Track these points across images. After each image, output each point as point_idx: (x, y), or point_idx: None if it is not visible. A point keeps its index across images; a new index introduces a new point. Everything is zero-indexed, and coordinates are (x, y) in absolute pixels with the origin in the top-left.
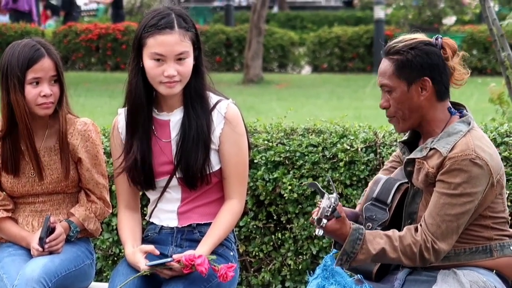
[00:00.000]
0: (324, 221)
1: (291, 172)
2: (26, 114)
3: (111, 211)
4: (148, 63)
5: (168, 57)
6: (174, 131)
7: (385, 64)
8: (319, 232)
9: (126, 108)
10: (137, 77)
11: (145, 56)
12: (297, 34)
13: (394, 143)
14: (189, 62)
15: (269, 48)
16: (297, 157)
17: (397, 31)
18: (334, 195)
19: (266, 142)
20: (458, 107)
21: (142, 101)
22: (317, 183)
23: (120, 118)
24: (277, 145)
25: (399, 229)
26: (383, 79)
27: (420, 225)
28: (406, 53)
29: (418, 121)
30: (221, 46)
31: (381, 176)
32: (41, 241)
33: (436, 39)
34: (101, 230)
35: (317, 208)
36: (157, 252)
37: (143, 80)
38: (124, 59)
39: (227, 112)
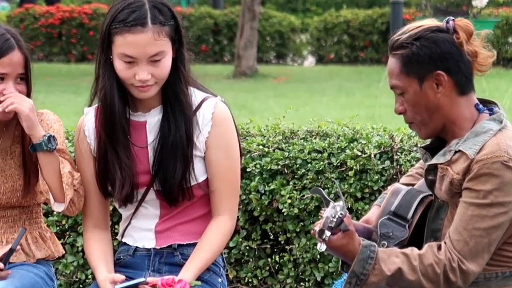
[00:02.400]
0: (327, 233)
1: (290, 183)
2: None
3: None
4: (118, 64)
5: (140, 59)
6: (151, 135)
7: (391, 62)
8: (321, 246)
9: (98, 108)
10: (107, 72)
11: (114, 54)
12: (298, 19)
13: (415, 149)
14: (166, 62)
15: (265, 35)
16: (298, 165)
17: (418, 14)
18: (341, 203)
19: (261, 147)
20: (488, 105)
21: (116, 101)
22: (321, 189)
23: (87, 119)
24: (274, 150)
25: (420, 249)
26: (392, 80)
27: (445, 242)
28: (410, 46)
29: (441, 122)
30: (208, 32)
31: (401, 186)
32: (7, 256)
33: (447, 22)
34: (78, 207)
35: (320, 218)
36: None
37: (115, 76)
38: (91, 48)
39: (214, 112)
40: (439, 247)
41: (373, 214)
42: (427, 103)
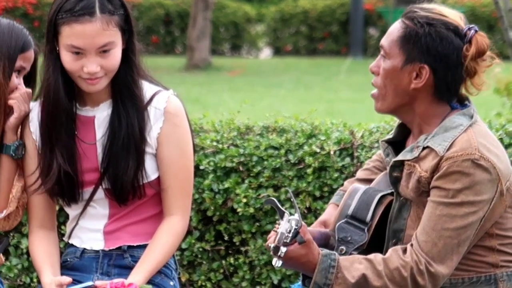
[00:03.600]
0: (283, 249)
1: (246, 181)
2: (6, 107)
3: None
4: (65, 56)
5: (88, 51)
6: (100, 130)
7: (396, 26)
8: (277, 263)
9: (41, 103)
10: (52, 65)
11: (61, 45)
12: (253, 9)
13: (376, 145)
14: (116, 53)
15: (219, 25)
16: (253, 163)
17: (380, 4)
18: (296, 216)
19: (215, 143)
20: (461, 100)
21: (61, 95)
22: (274, 199)
23: (33, 114)
24: (228, 147)
25: (381, 252)
26: (385, 40)
27: (411, 244)
28: (419, 26)
29: (399, 108)
30: (159, 23)
31: (358, 186)
32: None
33: (470, 29)
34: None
35: (273, 233)
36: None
37: (61, 69)
38: (36, 40)
39: (167, 106)
40: (404, 250)
41: (330, 214)
42: (398, 83)
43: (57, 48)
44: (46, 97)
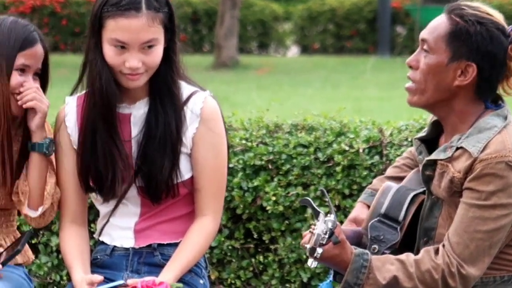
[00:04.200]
0: (319, 250)
1: (275, 179)
2: (9, 107)
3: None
4: (108, 50)
5: (132, 46)
6: (136, 128)
7: (442, 20)
8: (312, 263)
9: (82, 97)
10: (99, 59)
11: (104, 39)
12: (281, 7)
13: (405, 143)
14: (158, 50)
15: (247, 24)
16: (282, 161)
17: (407, 2)
18: (332, 217)
19: (244, 141)
20: (495, 100)
21: (113, 88)
22: (310, 199)
23: (69, 109)
24: (257, 145)
25: (412, 251)
26: (429, 34)
27: (443, 245)
28: (470, 24)
29: (436, 103)
30: (187, 21)
31: (391, 184)
32: (10, 257)
33: None
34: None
35: (309, 234)
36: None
37: (106, 62)
38: (64, 38)
39: (203, 107)
40: (436, 251)
41: (359, 212)
42: (441, 79)
43: (101, 43)
44: (96, 90)
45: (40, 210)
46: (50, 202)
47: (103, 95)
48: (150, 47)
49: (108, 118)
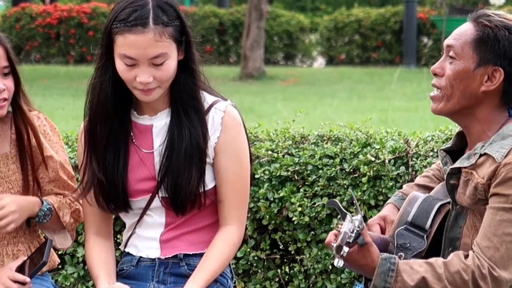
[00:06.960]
0: (346, 249)
1: (301, 190)
2: None
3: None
4: (119, 65)
5: (141, 61)
6: (158, 139)
7: (468, 27)
8: (338, 262)
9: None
10: (104, 72)
11: (116, 54)
12: (307, 18)
13: (431, 154)
14: (169, 64)
15: (273, 35)
16: (308, 171)
17: (433, 13)
18: (359, 217)
19: (270, 152)
20: None
21: (108, 100)
22: (337, 201)
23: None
24: (283, 156)
25: None
26: (455, 41)
27: (472, 250)
28: (497, 30)
29: (461, 110)
30: (213, 32)
31: (418, 194)
32: (37, 269)
33: None
34: (73, 237)
35: (336, 232)
36: None
37: (115, 79)
38: (91, 49)
39: (224, 116)
40: (466, 255)
41: (390, 212)
42: (468, 85)
43: (113, 57)
44: (94, 100)
45: (71, 242)
46: (75, 227)
47: (101, 105)
48: (160, 62)
49: (116, 132)
